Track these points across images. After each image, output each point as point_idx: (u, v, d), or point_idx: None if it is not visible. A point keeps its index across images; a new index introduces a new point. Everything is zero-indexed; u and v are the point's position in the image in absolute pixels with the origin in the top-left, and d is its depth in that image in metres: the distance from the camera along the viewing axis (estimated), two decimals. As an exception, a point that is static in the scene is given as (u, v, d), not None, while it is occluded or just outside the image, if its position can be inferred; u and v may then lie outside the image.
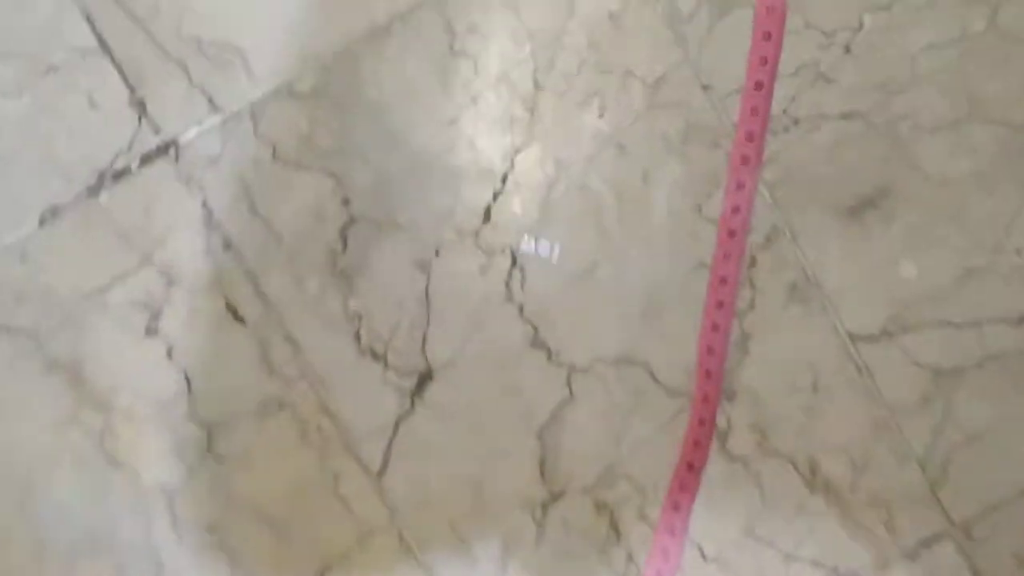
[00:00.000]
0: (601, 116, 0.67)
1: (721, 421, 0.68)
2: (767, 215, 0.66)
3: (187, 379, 0.66)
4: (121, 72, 0.66)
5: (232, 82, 0.66)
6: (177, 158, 0.66)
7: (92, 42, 0.66)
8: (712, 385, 0.67)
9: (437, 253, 0.67)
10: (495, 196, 0.67)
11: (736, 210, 0.66)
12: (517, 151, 0.67)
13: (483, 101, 0.67)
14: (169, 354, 0.66)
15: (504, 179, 0.67)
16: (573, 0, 0.67)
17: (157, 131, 0.66)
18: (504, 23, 0.67)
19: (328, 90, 0.66)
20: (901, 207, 0.67)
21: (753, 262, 0.67)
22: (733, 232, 0.66)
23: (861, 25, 0.66)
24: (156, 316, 0.66)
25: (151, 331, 0.66)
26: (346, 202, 0.67)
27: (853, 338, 0.67)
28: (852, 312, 0.67)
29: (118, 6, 0.66)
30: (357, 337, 0.67)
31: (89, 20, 0.66)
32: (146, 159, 0.66)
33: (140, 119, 0.66)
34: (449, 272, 0.67)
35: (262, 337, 0.66)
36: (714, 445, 0.68)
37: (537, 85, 0.67)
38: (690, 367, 0.68)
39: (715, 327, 0.67)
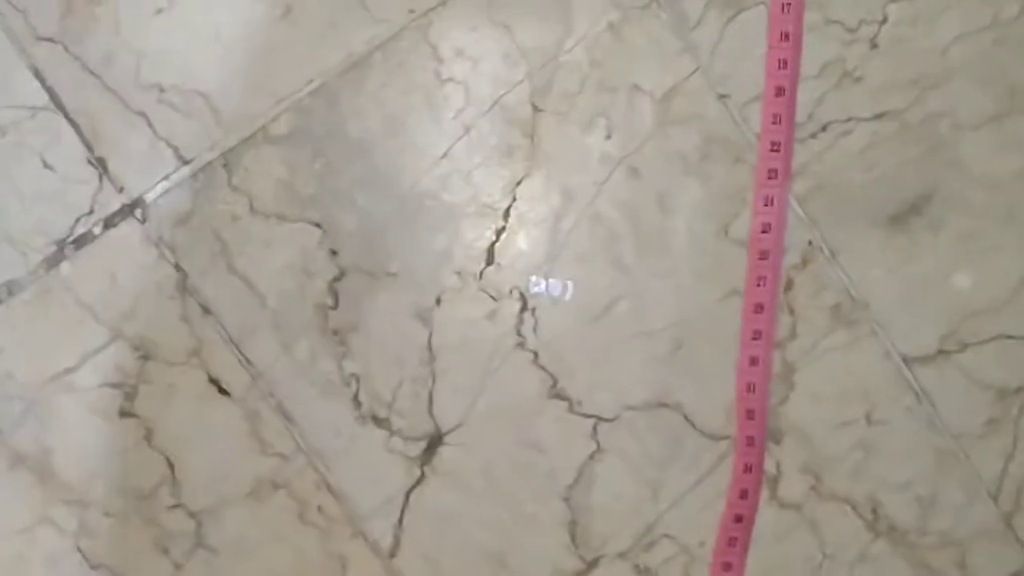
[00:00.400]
0: (608, 137, 0.62)
1: (769, 465, 0.62)
2: (801, 232, 0.62)
3: (170, 464, 0.61)
4: (76, 128, 0.61)
5: (200, 130, 0.61)
6: (144, 218, 0.61)
7: (42, 98, 0.61)
8: (756, 426, 0.61)
9: (438, 301, 0.62)
10: (498, 233, 0.62)
11: (766, 229, 0.61)
12: (518, 182, 0.62)
13: (477, 130, 0.62)
14: (148, 438, 0.61)
15: (506, 214, 0.62)
16: (569, 13, 0.62)
17: (120, 190, 0.61)
18: (495, 44, 0.62)
19: (306, 131, 0.62)
20: (948, 212, 0.62)
21: (790, 285, 0.62)
22: (765, 254, 0.61)
23: (886, 18, 0.61)
24: (131, 396, 0.61)
25: (126, 413, 0.61)
26: (334, 253, 0.62)
27: (907, 361, 0.62)
28: (904, 332, 0.62)
29: (69, 56, 0.61)
30: (356, 402, 0.62)
31: (38, 74, 0.61)
32: (110, 222, 0.61)
33: (101, 178, 0.61)
34: (453, 321, 0.62)
35: (250, 410, 0.62)
36: (763, 493, 0.62)
37: (535, 108, 0.62)
38: (730, 408, 0.62)
39: (754, 361, 0.61)
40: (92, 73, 0.61)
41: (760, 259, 0.61)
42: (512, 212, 0.62)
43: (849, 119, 0.61)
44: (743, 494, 0.62)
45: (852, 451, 0.62)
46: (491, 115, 0.62)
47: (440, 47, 0.62)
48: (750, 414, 0.61)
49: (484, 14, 0.62)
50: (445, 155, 0.62)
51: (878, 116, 0.61)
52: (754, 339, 0.61)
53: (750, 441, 0.61)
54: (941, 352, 0.62)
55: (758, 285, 0.61)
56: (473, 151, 0.62)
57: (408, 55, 0.62)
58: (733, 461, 0.62)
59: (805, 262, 0.62)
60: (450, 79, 0.62)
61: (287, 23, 0.62)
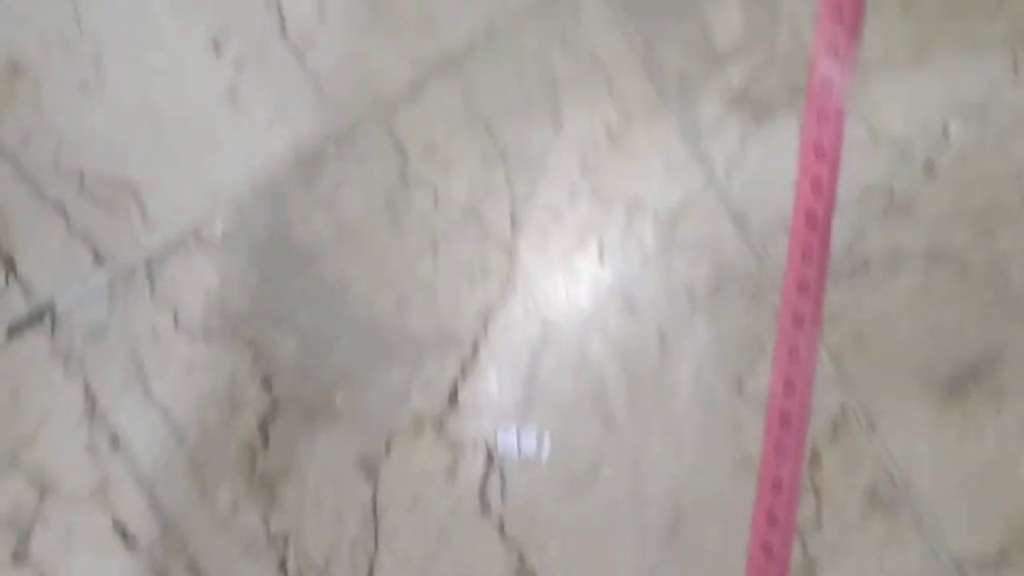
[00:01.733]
0: (601, 261, 0.56)
1: None
2: (833, 394, 0.55)
3: (64, 621, 0.55)
4: (-18, 219, 0.56)
5: (123, 228, 0.57)
6: (53, 328, 0.56)
7: (-54, 183, 0.57)
8: (766, 630, 0.51)
9: (388, 449, 0.56)
10: (463, 370, 0.56)
11: (790, 387, 0.54)
12: (491, 309, 0.56)
13: (446, 244, 0.56)
14: (41, 587, 0.55)
15: (475, 347, 0.56)
16: (559, 110, 0.56)
17: (28, 294, 0.57)
18: (471, 141, 0.56)
19: (244, 235, 0.57)
20: (1015, 381, 0.54)
21: (817, 459, 0.55)
22: (787, 417, 0.53)
23: (946, 134, 0.54)
24: (25, 536, 0.56)
25: (19, 556, 0.56)
26: (267, 382, 0.56)
27: (960, 565, 0.54)
28: (957, 527, 0.54)
29: (-20, 137, 0.56)
30: (282, 567, 0.55)
31: (-59, 155, 0.57)
32: (14, 330, 0.56)
33: (7, 279, 0.56)
34: (404, 475, 0.56)
35: (159, 566, 0.55)
36: None
37: (515, 222, 0.56)
38: (735, 604, 0.55)
39: (767, 550, 0.53)
40: (4, 154, 0.56)
41: (781, 424, 0.54)
42: (482, 345, 0.56)
43: (897, 256, 0.54)
44: None
45: (888, 670, 0.55)
46: (463, 225, 0.56)
47: (407, 141, 0.57)
48: (760, 613, 0.52)
49: (460, 106, 0.56)
50: (407, 272, 0.56)
51: (933, 255, 0.55)
52: (770, 524, 0.53)
53: (758, 648, 0.52)
54: (1003, 555, 0.54)
55: (777, 456, 0.54)
56: (440, 267, 0.56)
57: (368, 149, 0.56)
58: (738, 672, 0.54)
59: (836, 431, 0.55)
60: (417, 180, 0.56)
61: (231, 106, 0.57)
